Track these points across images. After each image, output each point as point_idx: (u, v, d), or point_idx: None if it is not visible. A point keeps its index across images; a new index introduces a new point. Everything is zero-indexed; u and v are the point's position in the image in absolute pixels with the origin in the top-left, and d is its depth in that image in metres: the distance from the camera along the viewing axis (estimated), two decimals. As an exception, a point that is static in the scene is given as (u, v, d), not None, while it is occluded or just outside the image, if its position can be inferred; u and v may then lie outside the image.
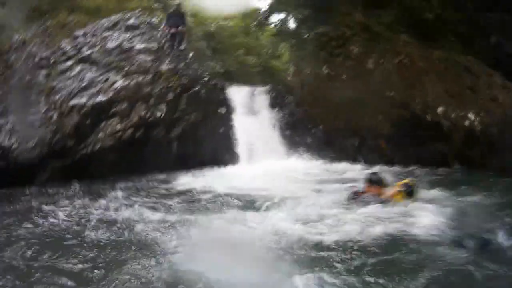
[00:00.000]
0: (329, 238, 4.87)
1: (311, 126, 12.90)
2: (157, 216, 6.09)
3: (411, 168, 10.57)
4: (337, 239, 4.82)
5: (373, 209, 5.83)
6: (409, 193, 6.10)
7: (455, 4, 12.86)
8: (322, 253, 4.48)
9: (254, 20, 22.08)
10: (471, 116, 11.07)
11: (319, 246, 4.68)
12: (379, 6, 13.52)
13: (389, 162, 11.30)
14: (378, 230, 5.07)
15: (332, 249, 4.56)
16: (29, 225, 5.81)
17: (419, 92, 11.70)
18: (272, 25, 21.05)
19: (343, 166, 11.27)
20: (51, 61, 11.28)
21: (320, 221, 5.50)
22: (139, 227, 5.54)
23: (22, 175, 9.10)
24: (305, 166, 11.30)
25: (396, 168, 10.56)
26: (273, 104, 13.82)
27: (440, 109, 11.33)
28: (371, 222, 5.37)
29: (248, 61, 21.63)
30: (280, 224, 5.42)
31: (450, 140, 11.12)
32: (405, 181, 6.39)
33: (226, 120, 12.41)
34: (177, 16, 12.46)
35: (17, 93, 10.54)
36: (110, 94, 10.68)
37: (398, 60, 12.25)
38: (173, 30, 12.26)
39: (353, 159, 11.82)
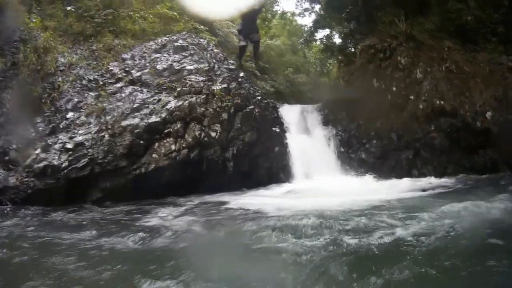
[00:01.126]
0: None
1: (365, 141, 12.70)
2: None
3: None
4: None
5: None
6: None
7: (491, 4, 12.90)
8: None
9: (300, 37, 22.25)
10: (518, 118, 10.95)
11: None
12: (420, 13, 13.67)
13: (443, 173, 11.23)
14: None
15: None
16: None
17: (468, 98, 11.58)
18: (318, 42, 21.19)
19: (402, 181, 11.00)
20: (100, 83, 11.03)
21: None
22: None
23: (72, 194, 9.00)
24: (362, 183, 11.16)
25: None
26: (325, 121, 13.61)
27: (489, 114, 11.22)
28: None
29: (297, 79, 21.46)
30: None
31: (500, 146, 10.93)
32: None
33: (280, 139, 12.13)
34: (250, 23, 11.92)
35: (66, 114, 10.21)
36: (163, 114, 10.35)
37: (444, 67, 12.15)
38: (242, 43, 11.76)
39: (408, 172, 11.70)
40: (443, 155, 11.55)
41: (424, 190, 9.30)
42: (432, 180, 10.72)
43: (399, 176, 11.40)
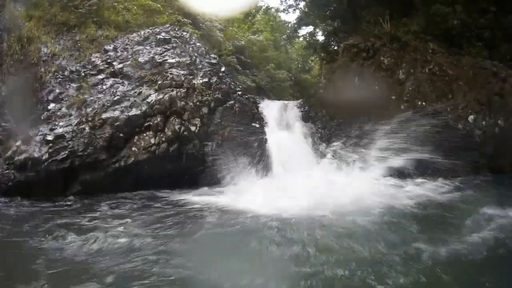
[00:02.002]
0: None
1: (345, 140, 12.64)
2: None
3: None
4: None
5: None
6: None
7: (478, 9, 12.97)
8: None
9: (283, 33, 22.28)
10: (500, 123, 11.26)
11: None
12: (406, 15, 13.70)
13: (423, 174, 11.15)
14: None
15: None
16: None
17: (450, 101, 11.71)
18: (301, 38, 21.20)
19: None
20: (82, 75, 11.07)
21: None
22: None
23: (53, 186, 9.15)
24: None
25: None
26: (305, 118, 13.71)
27: (471, 118, 11.38)
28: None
29: (278, 75, 21.57)
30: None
31: (482, 149, 11.15)
32: None
33: (259, 134, 12.20)
34: None
35: (47, 105, 10.27)
36: (144, 107, 10.44)
37: (428, 69, 12.25)
38: None
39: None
40: (424, 156, 11.67)
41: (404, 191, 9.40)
42: (413, 181, 10.85)
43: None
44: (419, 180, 10.77)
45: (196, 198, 8.99)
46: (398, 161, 11.22)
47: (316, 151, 12.62)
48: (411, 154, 11.19)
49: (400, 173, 11.51)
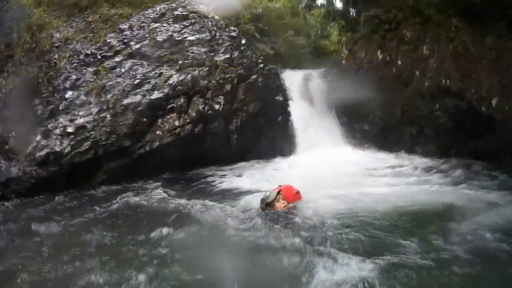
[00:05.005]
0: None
1: (368, 112, 12.42)
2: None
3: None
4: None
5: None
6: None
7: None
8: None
9: (301, 1, 21.79)
10: (524, 109, 10.53)
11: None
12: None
13: (446, 154, 10.95)
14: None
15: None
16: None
17: (474, 81, 11.05)
18: (319, 6, 20.72)
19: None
20: (98, 57, 10.57)
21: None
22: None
23: (77, 179, 8.80)
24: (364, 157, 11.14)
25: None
26: (328, 90, 13.36)
27: (494, 101, 10.70)
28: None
29: (297, 41, 21.33)
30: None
31: (502, 134, 10.48)
32: None
33: (283, 108, 11.96)
34: None
35: (64, 93, 9.79)
36: (166, 89, 10.04)
37: (452, 47, 11.57)
38: None
39: (411, 149, 11.57)
40: (447, 136, 11.29)
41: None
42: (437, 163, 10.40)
43: (402, 150, 11.43)
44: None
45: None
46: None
47: (342, 125, 12.19)
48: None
49: (423, 151, 11.17)
